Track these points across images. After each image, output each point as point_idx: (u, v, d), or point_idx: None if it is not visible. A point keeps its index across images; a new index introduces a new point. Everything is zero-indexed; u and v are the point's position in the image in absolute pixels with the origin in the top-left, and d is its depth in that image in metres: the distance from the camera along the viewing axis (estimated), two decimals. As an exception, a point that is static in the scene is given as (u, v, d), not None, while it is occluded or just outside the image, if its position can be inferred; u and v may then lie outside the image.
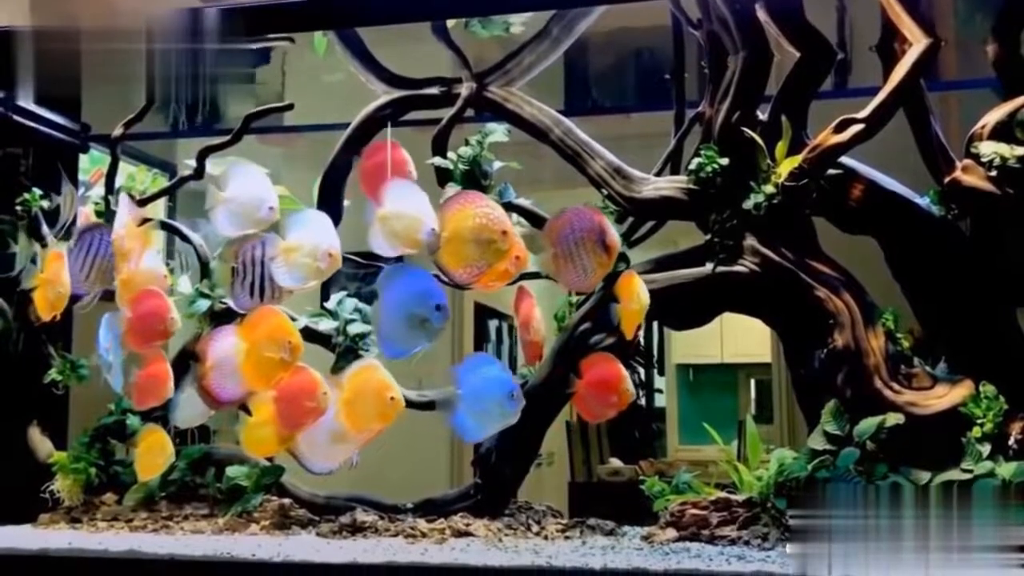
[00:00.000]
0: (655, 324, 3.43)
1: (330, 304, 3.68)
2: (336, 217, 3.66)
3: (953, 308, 3.18)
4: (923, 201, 3.27)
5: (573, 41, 3.76)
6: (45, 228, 3.99)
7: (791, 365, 3.41)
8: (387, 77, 3.89)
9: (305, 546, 3.13)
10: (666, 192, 3.50)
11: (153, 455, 3.48)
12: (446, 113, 3.72)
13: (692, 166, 3.43)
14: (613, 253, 3.09)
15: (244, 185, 3.22)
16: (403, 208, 3.01)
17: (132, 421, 3.76)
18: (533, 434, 3.47)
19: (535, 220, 3.51)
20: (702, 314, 3.50)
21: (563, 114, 3.71)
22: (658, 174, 3.65)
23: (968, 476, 2.84)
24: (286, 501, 3.55)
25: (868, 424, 2.99)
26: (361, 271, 3.75)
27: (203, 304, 3.63)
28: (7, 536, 3.38)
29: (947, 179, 3.21)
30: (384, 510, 3.47)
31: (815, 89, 3.41)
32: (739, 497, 3.12)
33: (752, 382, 12.05)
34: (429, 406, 3.50)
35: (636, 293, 3.09)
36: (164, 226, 4.09)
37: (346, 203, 3.86)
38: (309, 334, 3.54)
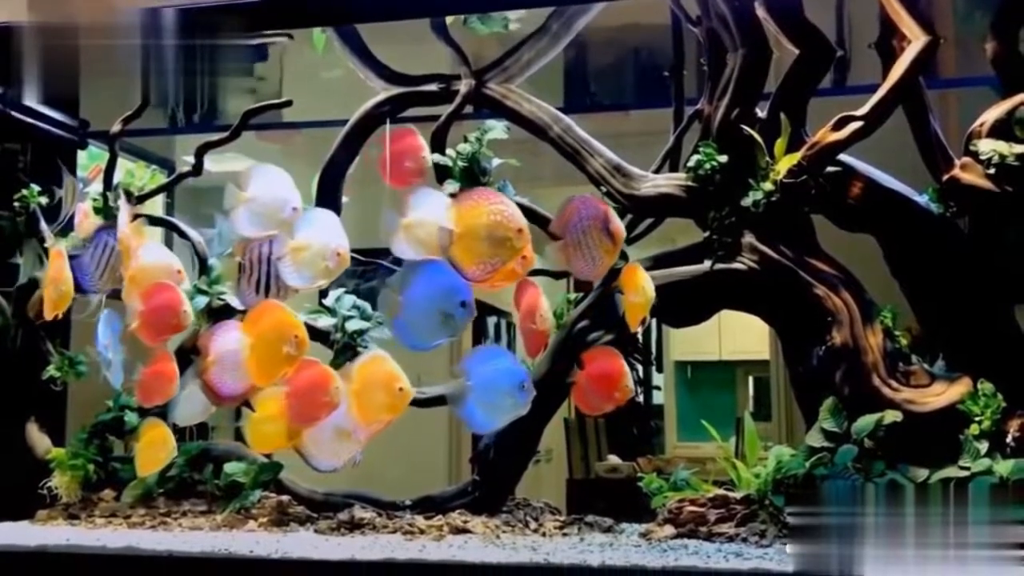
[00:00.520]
0: (654, 321, 3.42)
1: (328, 301, 3.68)
2: (334, 213, 3.65)
3: (951, 306, 3.18)
4: (922, 199, 3.27)
5: (572, 38, 3.75)
6: (43, 224, 3.98)
7: (789, 362, 3.41)
8: (386, 74, 3.89)
9: (303, 543, 3.13)
10: (665, 189, 3.50)
11: (154, 450, 3.47)
12: (445, 110, 3.72)
13: (691, 163, 3.43)
14: (618, 241, 3.07)
15: (267, 185, 3.19)
16: (427, 216, 3.00)
17: (130, 417, 3.76)
18: (531, 431, 3.47)
19: (534, 218, 3.51)
20: (700, 311, 3.50)
21: (562, 111, 3.71)
22: (657, 171, 3.65)
23: (966, 473, 2.85)
24: (284, 498, 3.55)
25: (866, 421, 2.99)
26: (360, 268, 3.74)
27: (201, 300, 3.63)
28: (5, 533, 3.39)
29: (946, 177, 3.21)
30: (382, 507, 3.47)
31: (814, 86, 3.41)
32: (737, 494, 3.12)
33: (750, 379, 12.05)
34: (439, 400, 3.50)
35: (641, 286, 3.08)
36: (163, 222, 4.08)
37: (345, 199, 3.85)
38: (307, 331, 3.53)
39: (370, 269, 3.90)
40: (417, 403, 3.31)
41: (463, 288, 2.95)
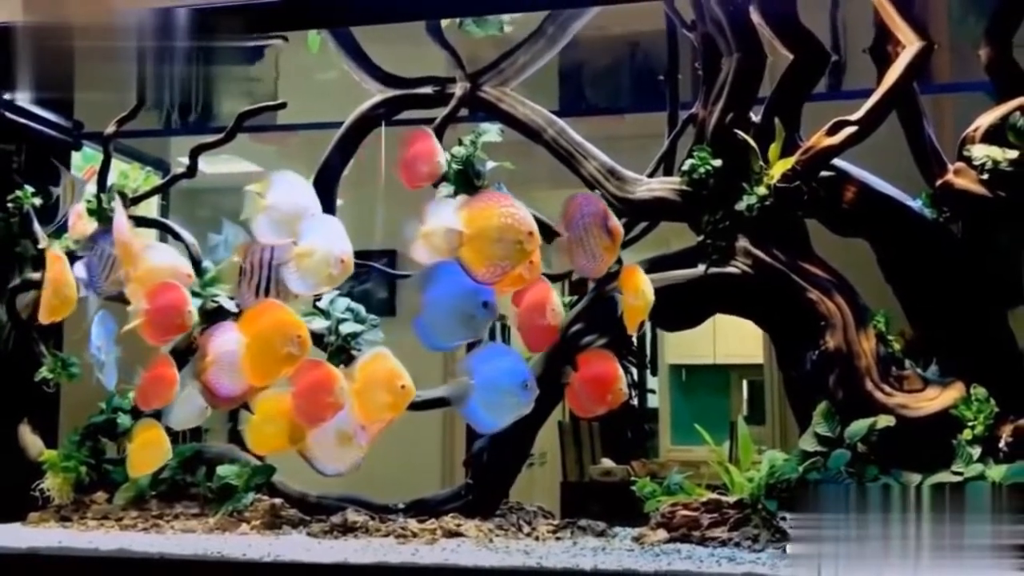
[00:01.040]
0: (648, 324, 3.41)
1: (322, 303, 3.67)
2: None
3: (945, 311, 3.19)
4: (915, 204, 3.28)
5: (567, 41, 3.76)
6: (37, 226, 3.97)
7: (783, 367, 3.42)
8: (381, 76, 3.89)
9: (296, 546, 3.12)
10: (659, 193, 3.50)
11: (148, 452, 3.45)
12: (440, 113, 3.72)
13: (685, 167, 3.43)
14: (617, 239, 3.06)
15: (287, 193, 3.17)
16: (443, 223, 2.99)
17: (123, 419, 3.75)
18: (525, 434, 3.47)
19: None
20: (694, 315, 3.50)
21: (557, 114, 3.71)
22: (651, 175, 3.66)
23: (959, 478, 2.85)
24: (277, 501, 3.54)
25: (859, 426, 2.99)
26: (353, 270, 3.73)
27: (194, 303, 3.61)
28: (-4, 534, 3.38)
29: (939, 182, 3.22)
30: (375, 510, 3.46)
31: (808, 91, 3.41)
32: (730, 498, 3.12)
33: (744, 383, 12.06)
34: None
35: (641, 289, 3.07)
36: (156, 224, 4.07)
37: (339, 202, 3.85)
38: (301, 333, 3.53)
39: (363, 272, 3.90)
40: (414, 406, 3.30)
41: (485, 288, 2.94)
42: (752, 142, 3.30)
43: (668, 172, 3.69)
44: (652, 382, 12.69)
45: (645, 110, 5.14)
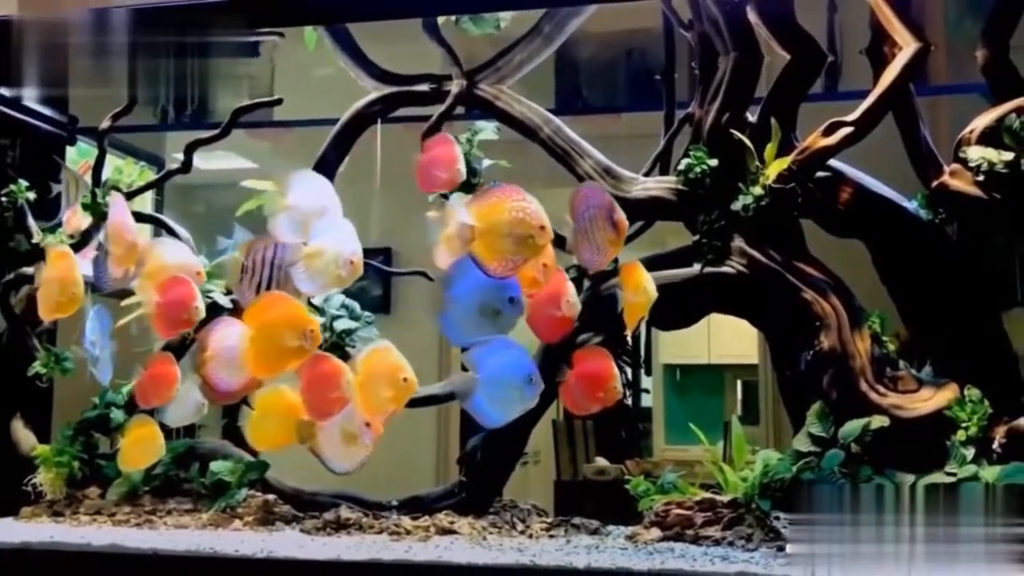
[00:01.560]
0: (643, 324, 3.40)
1: (317, 300, 3.67)
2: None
3: (939, 312, 3.19)
4: (911, 205, 3.28)
5: (564, 40, 3.76)
6: (31, 220, 3.96)
7: (777, 367, 3.42)
8: (377, 73, 3.89)
9: (289, 542, 3.12)
10: (655, 192, 3.50)
11: (141, 447, 3.44)
12: (436, 110, 3.72)
13: (681, 167, 3.43)
14: (622, 231, 3.03)
15: (308, 194, 3.16)
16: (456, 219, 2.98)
17: (116, 414, 3.74)
18: (519, 432, 3.47)
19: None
20: (689, 315, 3.51)
21: (553, 113, 3.71)
22: (647, 174, 3.66)
23: (952, 479, 2.85)
24: (270, 497, 3.53)
25: (853, 426, 2.99)
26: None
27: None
28: (-11, 529, 3.37)
29: (935, 183, 3.22)
30: (369, 507, 3.46)
31: (805, 91, 3.41)
32: (724, 498, 3.12)
33: (739, 383, 12.06)
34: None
35: (642, 285, 3.05)
36: (151, 219, 4.06)
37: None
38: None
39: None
40: (416, 402, 3.29)
41: (512, 284, 2.92)
42: (748, 142, 3.30)
43: (664, 171, 3.69)
44: (646, 381, 12.70)
45: (641, 109, 5.15)
